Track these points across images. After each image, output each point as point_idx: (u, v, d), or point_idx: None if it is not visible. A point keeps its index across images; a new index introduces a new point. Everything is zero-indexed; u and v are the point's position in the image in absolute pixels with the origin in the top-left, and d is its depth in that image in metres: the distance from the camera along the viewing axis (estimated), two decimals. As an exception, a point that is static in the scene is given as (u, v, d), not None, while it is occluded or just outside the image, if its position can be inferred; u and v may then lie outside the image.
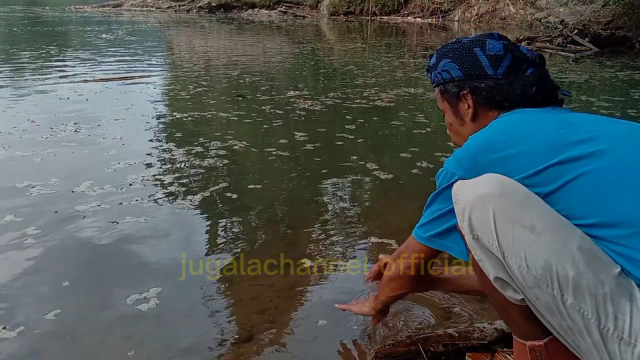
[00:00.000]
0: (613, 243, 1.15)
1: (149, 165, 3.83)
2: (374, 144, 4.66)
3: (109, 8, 27.13)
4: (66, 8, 26.67)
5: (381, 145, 4.63)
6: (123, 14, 24.52)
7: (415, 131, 5.06)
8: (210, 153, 4.17)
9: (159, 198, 3.23)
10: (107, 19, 21.03)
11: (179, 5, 26.74)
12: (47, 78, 7.43)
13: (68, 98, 6.12)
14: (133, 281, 2.32)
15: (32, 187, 3.32)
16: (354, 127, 5.09)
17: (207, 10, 25.97)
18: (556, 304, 1.15)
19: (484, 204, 1.21)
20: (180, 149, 4.24)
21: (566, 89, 1.46)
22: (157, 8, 26.81)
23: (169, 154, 4.13)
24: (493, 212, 1.19)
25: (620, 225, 1.15)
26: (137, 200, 3.18)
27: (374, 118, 5.51)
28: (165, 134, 4.79)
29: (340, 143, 4.56)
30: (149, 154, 4.10)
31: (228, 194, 3.34)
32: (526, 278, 1.17)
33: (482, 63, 1.42)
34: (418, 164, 4.01)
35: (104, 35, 14.02)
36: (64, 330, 1.98)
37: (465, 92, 1.45)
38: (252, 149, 4.34)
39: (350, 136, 4.76)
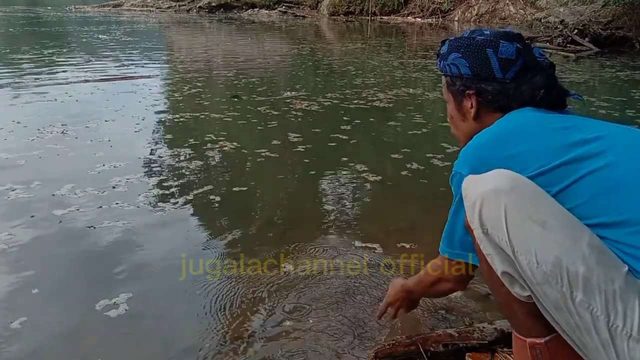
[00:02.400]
0: (619, 242, 1.15)
1: (135, 168, 3.73)
2: (367, 145, 4.57)
3: (109, 8, 27.05)
4: (66, 8, 26.60)
5: (374, 147, 4.54)
6: (123, 14, 24.43)
7: (410, 132, 4.97)
8: (198, 155, 4.07)
9: (141, 201, 3.14)
10: (106, 19, 20.94)
11: (179, 5, 26.66)
12: (37, 79, 7.31)
13: (56, 99, 6.01)
14: (114, 286, 2.25)
15: (12, 191, 3.24)
16: (349, 127, 5.00)
17: (207, 10, 25.89)
18: (565, 301, 1.14)
19: (495, 198, 1.20)
20: (169, 151, 4.15)
21: (567, 89, 1.41)
22: (157, 8, 26.73)
23: (157, 156, 4.03)
24: (505, 206, 1.18)
25: (627, 224, 1.15)
26: (117, 203, 3.08)
27: (371, 119, 5.43)
28: (155, 136, 4.69)
29: (333, 144, 4.47)
30: (136, 157, 4.01)
31: (211, 197, 3.26)
32: (535, 274, 1.16)
33: (492, 65, 1.40)
34: (408, 165, 3.93)
35: (100, 36, 13.90)
36: (60, 332, 1.96)
37: (470, 92, 1.44)
38: (243, 150, 4.24)
39: (344, 137, 4.67)
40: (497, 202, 1.19)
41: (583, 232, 1.16)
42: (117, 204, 3.08)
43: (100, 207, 3.03)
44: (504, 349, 1.70)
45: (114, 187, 3.33)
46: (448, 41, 1.51)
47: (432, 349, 1.74)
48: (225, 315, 2.06)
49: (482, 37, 1.42)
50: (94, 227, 2.78)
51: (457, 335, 1.79)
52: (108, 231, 2.75)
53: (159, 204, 3.13)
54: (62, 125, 4.80)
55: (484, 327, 1.82)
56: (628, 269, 1.12)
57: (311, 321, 2.02)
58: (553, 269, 1.13)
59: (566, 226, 1.16)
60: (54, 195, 3.19)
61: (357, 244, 2.68)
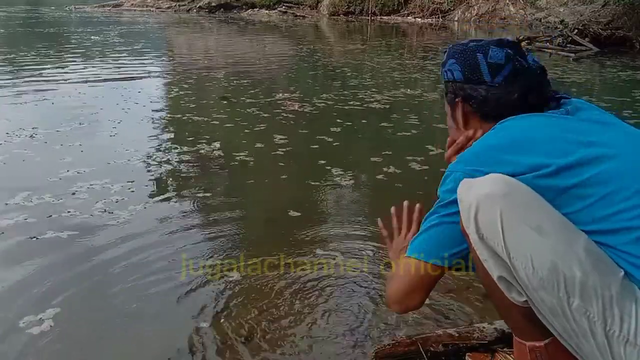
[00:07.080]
0: (618, 249, 1.14)
1: (101, 174, 3.50)
2: (349, 148, 4.38)
3: (108, 8, 26.88)
4: (66, 8, 26.42)
5: (356, 149, 4.38)
6: (123, 14, 24.26)
7: (399, 134, 4.80)
8: (172, 159, 3.89)
9: (98, 208, 2.95)
10: (106, 19, 20.77)
11: (178, 5, 26.49)
12: (12, 81, 7.03)
13: (26, 102, 5.74)
14: (38, 304, 2.07)
15: (-37, 199, 3.05)
16: (339, 129, 4.84)
17: (207, 10, 25.72)
18: (562, 307, 1.13)
19: (491, 203, 1.18)
20: (140, 155, 3.97)
21: (567, 89, 1.24)
22: (157, 8, 26.58)
23: (127, 161, 3.84)
24: (500, 211, 1.17)
25: (624, 232, 1.14)
26: (69, 212, 2.89)
27: (363, 121, 5.28)
28: (131, 140, 4.44)
29: (315, 147, 4.29)
30: (106, 162, 3.80)
31: (171, 203, 3.12)
32: (531, 280, 1.15)
33: (481, 69, 1.40)
34: (385, 169, 3.76)
35: (93, 37, 13.60)
36: (60, 331, 1.93)
37: (458, 99, 1.44)
38: (219, 153, 4.05)
39: (329, 139, 4.49)
40: (493, 207, 1.18)
41: (578, 236, 1.15)
42: (69, 212, 2.89)
43: (50, 216, 2.84)
44: (504, 349, 1.70)
45: (73, 194, 3.14)
46: (449, 48, 1.52)
47: (432, 349, 1.76)
48: (224, 316, 2.04)
49: (475, 44, 1.44)
50: (37, 238, 2.60)
51: (457, 335, 1.80)
52: (48, 243, 2.59)
53: (116, 211, 2.93)
54: (33, 129, 4.58)
55: (484, 327, 1.83)
56: (624, 274, 1.13)
57: (310, 321, 2.02)
58: (549, 274, 1.12)
59: (561, 231, 1.15)
60: (7, 204, 2.99)
61: (357, 243, 2.66)
